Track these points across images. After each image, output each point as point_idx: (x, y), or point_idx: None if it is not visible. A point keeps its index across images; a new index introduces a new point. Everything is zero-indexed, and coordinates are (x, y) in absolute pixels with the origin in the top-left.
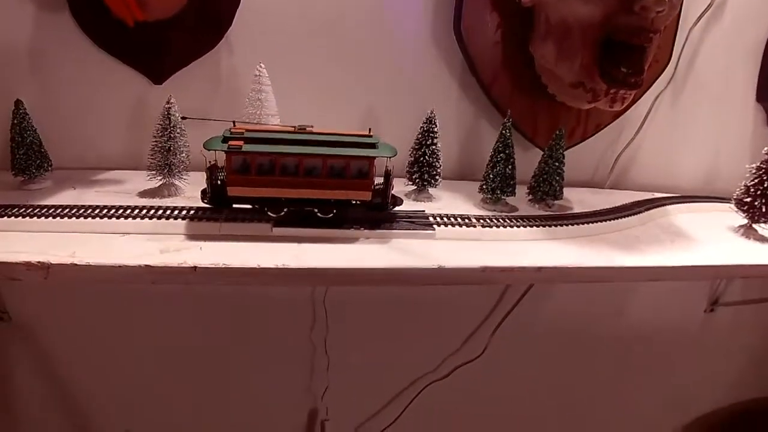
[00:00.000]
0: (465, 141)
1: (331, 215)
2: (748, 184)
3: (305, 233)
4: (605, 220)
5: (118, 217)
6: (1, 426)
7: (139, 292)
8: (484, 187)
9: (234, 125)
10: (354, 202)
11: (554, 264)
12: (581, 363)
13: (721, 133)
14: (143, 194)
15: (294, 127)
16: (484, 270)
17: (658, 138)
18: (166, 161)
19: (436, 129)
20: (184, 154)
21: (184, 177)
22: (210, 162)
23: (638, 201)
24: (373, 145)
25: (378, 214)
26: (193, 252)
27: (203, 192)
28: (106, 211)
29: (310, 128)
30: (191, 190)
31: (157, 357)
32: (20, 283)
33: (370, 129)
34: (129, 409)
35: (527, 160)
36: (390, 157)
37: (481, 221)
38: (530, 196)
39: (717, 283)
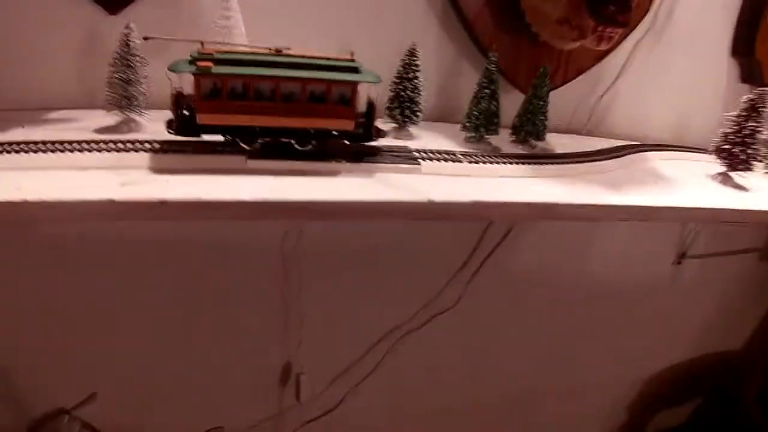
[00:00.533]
0: (444, 81)
1: (309, 147)
2: (727, 132)
3: (283, 165)
4: (589, 161)
5: (72, 151)
6: None
7: (100, 242)
8: (468, 124)
9: (202, 46)
10: (334, 132)
11: (544, 200)
12: (552, 314)
13: (695, 85)
14: (100, 131)
15: (270, 48)
16: (475, 205)
17: (635, 87)
18: (125, 93)
19: (417, 62)
20: (144, 86)
21: (144, 113)
22: (176, 89)
23: (619, 146)
24: (356, 70)
25: (360, 147)
26: (159, 186)
27: (169, 122)
28: (59, 145)
29: (288, 50)
30: (154, 127)
31: (123, 311)
32: None
33: (352, 53)
34: (94, 369)
35: (507, 102)
36: (374, 83)
37: (467, 157)
38: (513, 136)
39: (686, 235)
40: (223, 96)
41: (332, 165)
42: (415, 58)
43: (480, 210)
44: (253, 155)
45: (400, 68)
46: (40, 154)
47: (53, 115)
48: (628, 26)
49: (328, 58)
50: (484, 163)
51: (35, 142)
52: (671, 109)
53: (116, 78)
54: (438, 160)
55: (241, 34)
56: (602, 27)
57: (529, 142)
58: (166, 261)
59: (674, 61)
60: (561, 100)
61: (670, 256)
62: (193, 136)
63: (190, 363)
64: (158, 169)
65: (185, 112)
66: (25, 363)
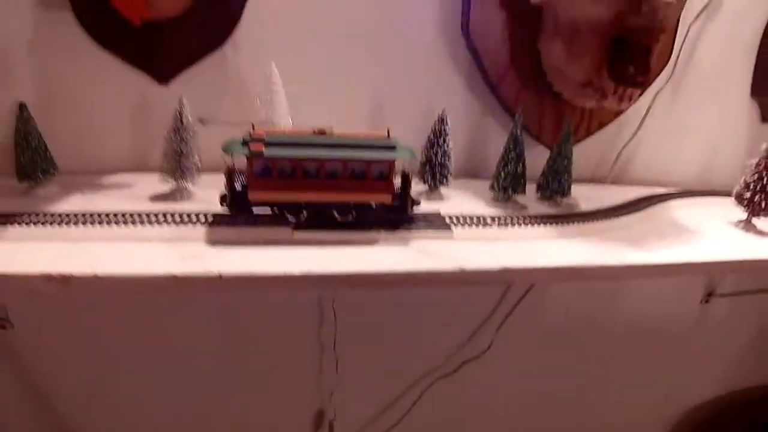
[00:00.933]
0: (471, 138)
1: (350, 217)
2: (748, 180)
3: (326, 236)
4: (612, 218)
5: (134, 223)
6: None
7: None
8: (495, 185)
9: (253, 128)
10: (373, 204)
11: (569, 264)
12: (583, 354)
13: (717, 128)
14: (155, 198)
15: (313, 129)
16: (503, 271)
17: (657, 133)
18: (178, 164)
19: (447, 128)
20: (196, 157)
21: (196, 180)
22: (229, 166)
23: (641, 197)
24: (392, 147)
25: (396, 216)
26: (216, 259)
27: (222, 196)
28: (121, 217)
29: (329, 131)
30: (203, 193)
31: (161, 358)
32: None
33: (388, 130)
34: (134, 412)
35: (533, 157)
36: (409, 160)
37: (496, 221)
38: (539, 194)
39: (713, 275)
40: (274, 175)
41: (371, 234)
42: (445, 125)
43: (508, 275)
44: (298, 226)
45: (431, 135)
46: (105, 226)
47: (108, 180)
48: (648, 85)
49: (367, 137)
50: (512, 225)
51: (102, 214)
52: (694, 152)
53: (171, 149)
54: (469, 225)
55: (283, 105)
56: (623, 88)
57: (555, 199)
58: (203, 308)
59: (695, 106)
60: (585, 152)
61: (697, 295)
62: (244, 211)
63: (225, 407)
64: (213, 242)
65: (238, 189)
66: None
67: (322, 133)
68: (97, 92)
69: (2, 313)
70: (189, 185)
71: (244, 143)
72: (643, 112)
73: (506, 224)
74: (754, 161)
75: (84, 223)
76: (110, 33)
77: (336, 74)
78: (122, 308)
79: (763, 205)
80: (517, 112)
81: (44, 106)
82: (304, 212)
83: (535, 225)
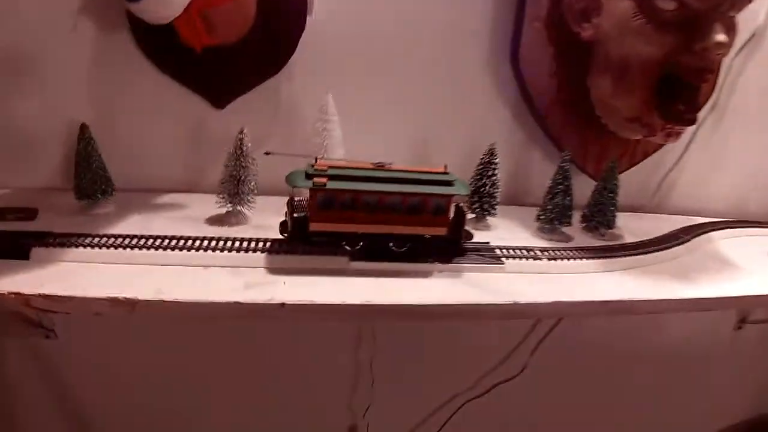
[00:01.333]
0: (515, 165)
1: (405, 248)
2: None
3: (382, 267)
4: (657, 250)
5: (197, 249)
6: None
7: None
8: (542, 217)
9: (316, 161)
10: (427, 236)
11: (618, 298)
12: (617, 380)
13: (756, 157)
14: (211, 221)
15: (373, 163)
16: (556, 304)
17: (698, 163)
18: (236, 190)
19: (496, 161)
20: (253, 183)
21: (251, 205)
22: (291, 196)
23: (683, 228)
24: (450, 183)
25: (449, 247)
26: (277, 287)
27: (282, 225)
28: (183, 242)
29: (389, 165)
30: (258, 218)
31: (194, 376)
32: None
33: (446, 166)
34: (165, 427)
35: (577, 185)
36: (466, 195)
37: (546, 253)
38: (583, 224)
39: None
40: (335, 207)
41: (425, 266)
42: (494, 157)
43: (560, 309)
44: (355, 256)
45: (480, 167)
46: (167, 250)
47: (162, 199)
48: (696, 121)
49: (425, 171)
50: (562, 259)
51: (162, 238)
52: (733, 182)
53: (229, 176)
54: (519, 257)
55: (337, 135)
56: (671, 125)
57: (599, 230)
58: (241, 324)
59: (735, 136)
60: (627, 181)
61: (730, 322)
62: (303, 240)
63: (259, 422)
64: (274, 270)
65: (298, 220)
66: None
67: (381, 166)
68: (154, 114)
69: (49, 324)
70: (245, 210)
71: (308, 176)
72: (686, 143)
73: (555, 258)
74: None
75: (145, 246)
76: (169, 57)
77: (386, 104)
78: (161, 327)
79: None
80: (565, 146)
81: (101, 125)
82: (361, 242)
83: (583, 258)
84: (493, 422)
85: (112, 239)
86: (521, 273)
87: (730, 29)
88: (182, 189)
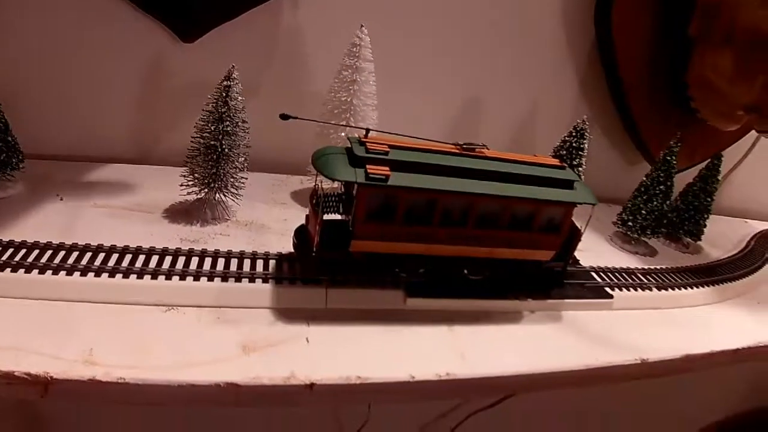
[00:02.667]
0: None
1: (482, 276)
2: None
3: (453, 306)
4: (752, 270)
5: (154, 275)
6: None
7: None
8: (630, 223)
9: (367, 135)
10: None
11: (748, 344)
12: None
13: None
14: (173, 215)
15: (457, 145)
16: (687, 358)
17: (758, 163)
18: (215, 169)
19: (585, 145)
20: (242, 158)
21: (238, 193)
22: (316, 187)
23: (756, 237)
24: (569, 184)
25: (545, 275)
26: (297, 348)
27: (300, 235)
28: (130, 260)
29: (482, 149)
30: (246, 210)
31: None
32: None
33: (561, 159)
34: None
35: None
36: (594, 205)
37: (651, 279)
38: (664, 231)
39: None
40: (397, 217)
41: (513, 304)
42: (583, 141)
43: (690, 363)
44: (412, 290)
45: (563, 151)
46: (106, 278)
47: (99, 173)
48: None
49: (537, 164)
50: (671, 288)
51: (99, 251)
52: None
53: (204, 147)
54: (623, 287)
55: (371, 91)
56: None
57: (683, 240)
58: None
59: None
60: (686, 178)
61: None
62: (339, 265)
63: None
64: (287, 314)
65: (333, 231)
66: None
67: (471, 150)
68: (88, 49)
69: None
70: (227, 198)
71: (355, 160)
72: (752, 141)
73: (664, 286)
74: None
75: (66, 267)
76: None
77: (431, 55)
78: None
79: None
80: (642, 131)
81: (13, 63)
82: (422, 269)
83: (693, 286)
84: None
85: (17, 254)
86: (631, 309)
87: None
88: (127, 159)
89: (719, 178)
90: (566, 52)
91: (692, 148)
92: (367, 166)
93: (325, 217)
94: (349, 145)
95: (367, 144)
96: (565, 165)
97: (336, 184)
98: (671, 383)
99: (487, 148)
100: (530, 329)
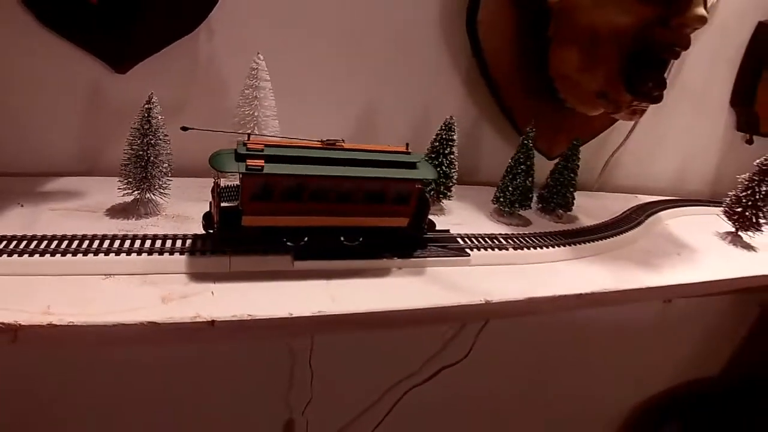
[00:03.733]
0: (463, 142)
1: (357, 242)
2: (740, 195)
3: (332, 266)
4: (616, 234)
5: (95, 253)
6: None
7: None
8: (501, 199)
9: (249, 138)
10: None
11: (592, 290)
12: (556, 355)
13: (696, 135)
14: (113, 212)
15: (321, 141)
16: (530, 301)
17: (642, 143)
18: (144, 173)
19: (454, 136)
20: (166, 164)
21: (165, 192)
22: (216, 181)
23: (634, 208)
24: (413, 165)
25: (409, 239)
26: (204, 299)
27: (207, 217)
28: (77, 243)
29: (341, 143)
30: (173, 206)
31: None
32: None
33: (407, 145)
34: None
35: None
36: (434, 180)
37: (510, 242)
38: (540, 206)
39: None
40: (275, 197)
41: (382, 262)
42: (452, 133)
43: (534, 306)
44: (299, 255)
45: (436, 143)
46: (58, 256)
47: (52, 185)
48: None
49: (384, 151)
50: (527, 248)
51: (52, 239)
52: (673, 160)
53: (135, 156)
54: (484, 248)
55: (270, 104)
56: (637, 102)
57: (557, 212)
58: None
59: (679, 116)
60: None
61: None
62: (236, 239)
63: (193, 421)
64: (198, 276)
65: (227, 212)
66: None
67: (331, 145)
68: (37, 80)
69: None
70: (156, 197)
71: (239, 157)
72: (632, 123)
73: (521, 246)
74: (746, 176)
75: (27, 251)
76: (57, 10)
77: (324, 68)
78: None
79: (753, 219)
80: (519, 120)
81: None
82: (306, 238)
83: (549, 246)
84: (439, 407)
85: None
86: (487, 265)
87: (706, 2)
88: (76, 172)
89: (579, 156)
90: (449, 58)
91: (569, 133)
92: (247, 161)
93: (223, 204)
94: (236, 148)
95: (248, 144)
96: (410, 151)
97: (233, 179)
98: (606, 365)
99: (344, 142)
100: (395, 281)
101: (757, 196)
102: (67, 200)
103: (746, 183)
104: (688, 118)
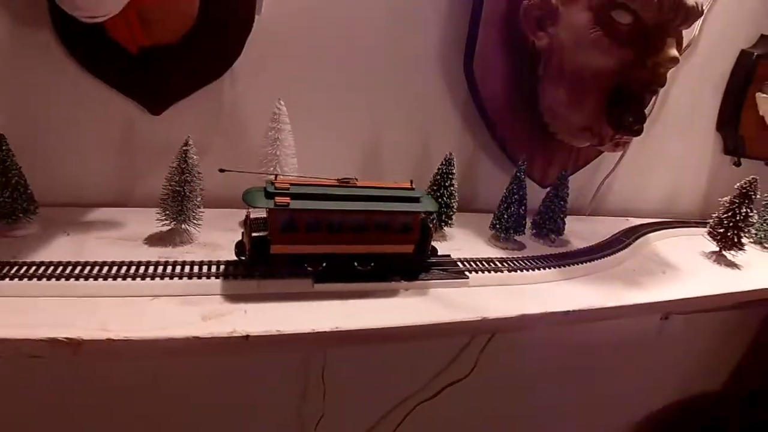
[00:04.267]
0: (461, 172)
1: (369, 267)
2: (722, 216)
3: (347, 288)
4: (604, 256)
5: (143, 277)
6: None
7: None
8: (498, 226)
9: (276, 178)
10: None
11: (578, 307)
12: (559, 372)
13: (684, 159)
14: (152, 241)
15: (337, 179)
16: (522, 318)
17: (632, 168)
18: (180, 207)
19: (454, 171)
20: (199, 199)
21: (198, 223)
22: (248, 215)
23: (623, 231)
24: (416, 199)
25: (414, 264)
26: (238, 317)
27: (239, 246)
28: (125, 269)
29: (354, 181)
30: (204, 234)
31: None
32: None
33: (411, 182)
34: None
35: None
36: (434, 212)
37: (505, 264)
38: (534, 231)
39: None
40: (299, 229)
41: (391, 285)
42: (452, 167)
43: (525, 321)
44: (319, 278)
45: (437, 177)
46: (110, 281)
47: (92, 216)
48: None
49: (391, 188)
50: (521, 269)
51: (102, 265)
52: (664, 183)
53: (172, 192)
54: (481, 270)
55: (290, 144)
56: (620, 135)
57: (550, 237)
58: None
59: (667, 141)
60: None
61: (658, 313)
62: (264, 264)
63: None
64: (232, 297)
65: (258, 241)
66: None
67: (346, 183)
68: (80, 121)
69: None
70: (190, 228)
71: (268, 194)
72: (622, 150)
73: (515, 269)
74: (727, 199)
75: (82, 276)
76: (98, 57)
77: (336, 109)
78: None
79: (735, 240)
80: (513, 151)
81: (17, 135)
82: (324, 263)
83: (541, 268)
84: (445, 423)
85: (42, 268)
86: (485, 286)
87: (679, 44)
88: (113, 203)
89: (568, 186)
90: (448, 96)
91: (560, 163)
92: (276, 198)
93: (254, 234)
94: (265, 186)
95: (275, 183)
96: (414, 187)
97: (261, 212)
98: (607, 381)
99: (357, 180)
100: (403, 301)
101: (738, 218)
102: (107, 230)
103: (727, 205)
104: (676, 143)
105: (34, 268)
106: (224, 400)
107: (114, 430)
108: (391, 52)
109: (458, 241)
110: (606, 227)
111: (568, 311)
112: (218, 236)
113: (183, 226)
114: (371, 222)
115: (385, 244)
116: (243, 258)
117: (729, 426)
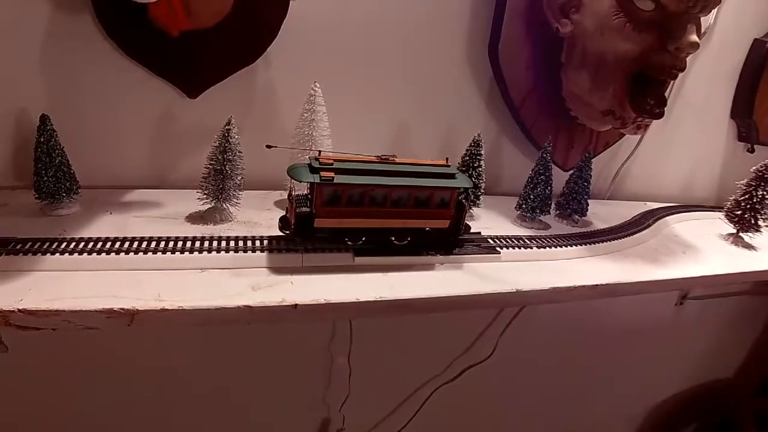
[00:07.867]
0: (486, 155)
1: (406, 242)
2: (739, 199)
3: (386, 261)
4: (626, 236)
5: (190, 251)
6: None
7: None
8: (524, 206)
9: (320, 154)
10: (426, 228)
11: (606, 281)
12: (575, 356)
13: (699, 146)
14: (192, 219)
15: (377, 156)
16: (553, 291)
17: (650, 154)
18: (220, 186)
19: (482, 152)
20: (239, 178)
21: (237, 201)
22: (291, 189)
23: (643, 213)
24: (452, 176)
25: (448, 239)
26: (285, 287)
27: (283, 220)
28: (173, 243)
29: (393, 158)
30: (242, 214)
31: (155, 378)
32: None
33: (447, 159)
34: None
35: None
36: (468, 189)
37: (534, 242)
38: (558, 212)
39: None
40: (342, 202)
41: (428, 258)
42: (480, 148)
43: (556, 294)
44: (359, 252)
45: (466, 157)
46: (159, 254)
47: (131, 196)
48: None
49: (428, 164)
50: (550, 247)
51: (150, 240)
52: (679, 169)
53: (213, 171)
54: (512, 247)
55: (325, 125)
56: (641, 118)
57: (573, 218)
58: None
59: (684, 126)
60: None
61: (672, 298)
62: (309, 238)
63: (232, 419)
64: (279, 269)
65: (303, 216)
66: None
67: (386, 160)
68: (119, 103)
69: None
70: (228, 206)
71: (313, 169)
72: (637, 139)
73: (544, 246)
74: (744, 182)
75: (131, 250)
76: (137, 40)
77: (366, 93)
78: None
79: (752, 221)
80: (536, 136)
81: (58, 116)
82: (363, 238)
83: (568, 245)
84: (466, 405)
85: (90, 243)
86: (515, 261)
87: (699, 30)
88: (150, 184)
89: (591, 167)
90: (474, 83)
91: (582, 147)
92: (321, 173)
93: (298, 209)
94: (309, 162)
95: (320, 159)
96: (450, 164)
97: (302, 189)
98: (624, 366)
99: (396, 157)
100: (438, 274)
101: (755, 200)
102: (148, 209)
103: (744, 188)
104: (691, 130)
105: (83, 243)
106: (252, 382)
107: (139, 404)
108: (420, 39)
109: (486, 221)
110: (625, 210)
111: (596, 285)
112: (255, 215)
113: (223, 204)
114: (412, 197)
115: (422, 219)
116: (287, 232)
117: (739, 414)
